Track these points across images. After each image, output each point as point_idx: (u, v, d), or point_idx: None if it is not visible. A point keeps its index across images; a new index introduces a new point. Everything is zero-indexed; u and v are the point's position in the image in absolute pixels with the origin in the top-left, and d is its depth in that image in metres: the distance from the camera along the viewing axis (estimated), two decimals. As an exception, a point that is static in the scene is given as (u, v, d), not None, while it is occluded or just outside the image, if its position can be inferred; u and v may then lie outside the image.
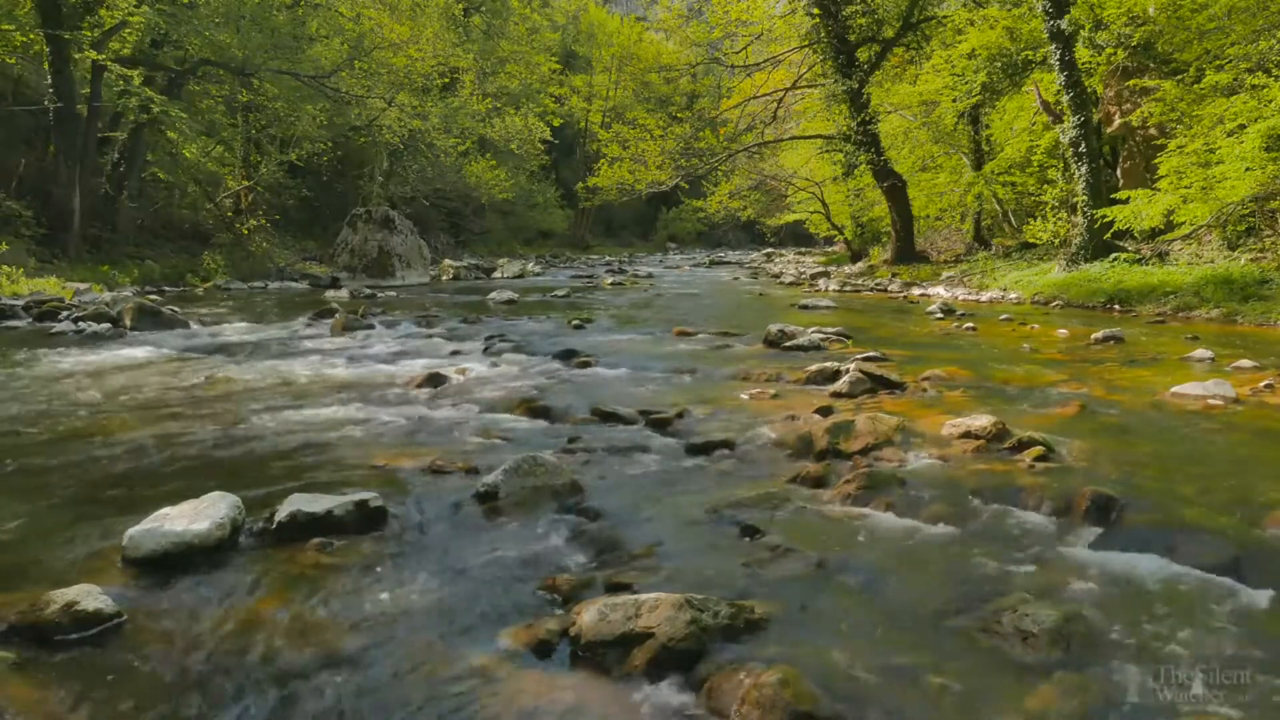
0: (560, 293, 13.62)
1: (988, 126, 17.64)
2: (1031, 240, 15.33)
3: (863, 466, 3.15)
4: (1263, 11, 9.83)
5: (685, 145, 19.80)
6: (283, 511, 2.50)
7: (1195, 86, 10.81)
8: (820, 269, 20.38)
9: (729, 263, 29.17)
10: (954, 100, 16.45)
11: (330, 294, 13.62)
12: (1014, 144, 15.80)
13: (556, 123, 32.16)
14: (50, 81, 13.12)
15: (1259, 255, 10.13)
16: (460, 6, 25.79)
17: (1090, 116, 12.47)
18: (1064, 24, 11.93)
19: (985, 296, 12.25)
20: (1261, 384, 4.62)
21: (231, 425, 3.91)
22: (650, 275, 20.10)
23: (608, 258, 32.29)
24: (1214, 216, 10.02)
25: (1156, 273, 10.49)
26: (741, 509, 2.74)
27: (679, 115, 22.92)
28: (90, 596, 1.93)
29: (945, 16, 17.39)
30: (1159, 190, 10.33)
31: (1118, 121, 13.66)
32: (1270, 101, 8.97)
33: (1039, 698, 1.68)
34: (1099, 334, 6.95)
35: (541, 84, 33.20)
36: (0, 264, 10.52)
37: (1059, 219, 14.55)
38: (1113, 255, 11.57)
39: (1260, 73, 9.58)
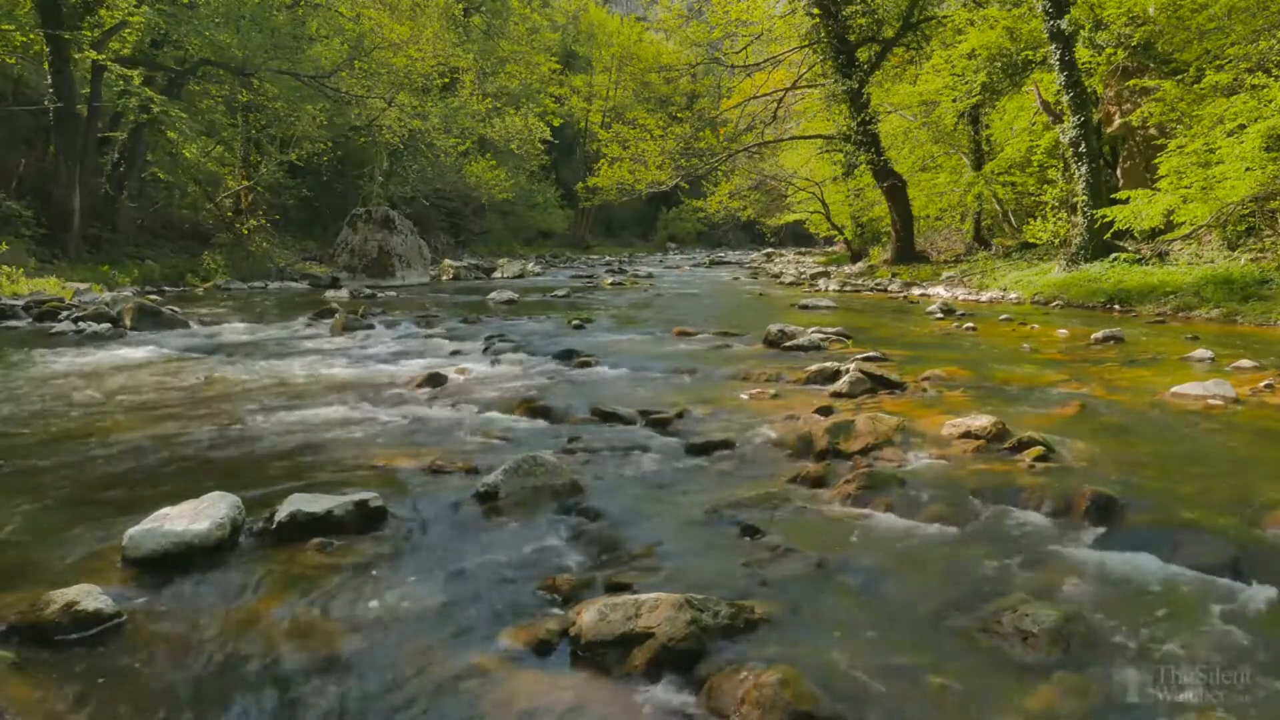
0: (560, 293, 13.62)
1: (988, 126, 17.64)
2: (1031, 240, 15.34)
3: (863, 466, 3.15)
4: (1263, 11, 9.83)
5: (685, 145, 19.80)
6: (283, 511, 2.50)
7: (1195, 86, 10.81)
8: (820, 269, 20.38)
9: (729, 263, 29.17)
10: (954, 100, 16.45)
11: (330, 294, 13.62)
12: (1014, 144, 15.80)
13: (556, 123, 32.16)
14: (50, 81, 13.12)
15: (1259, 255, 10.13)
16: (460, 6, 25.79)
17: (1090, 116, 12.47)
18: (1064, 24, 11.93)
19: (985, 296, 12.25)
20: (1261, 384, 4.62)
21: (231, 425, 3.91)
22: (650, 275, 20.10)
23: (608, 258, 32.29)
24: (1214, 216, 10.02)
25: (1156, 273, 10.49)
26: (741, 509, 2.74)
27: (679, 115, 22.92)
28: (90, 596, 1.94)
29: (945, 16, 17.39)
30: (1159, 190, 10.33)
31: (1118, 121, 13.66)
32: (1270, 101, 8.97)
33: (1039, 698, 1.68)
34: (1099, 334, 6.95)
35: (541, 84, 33.20)
36: (0, 264, 10.53)
37: (1059, 219, 14.55)
38: (1113, 255, 11.57)
39: (1260, 73, 9.58)
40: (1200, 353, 5.90)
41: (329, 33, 18.66)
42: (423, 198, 25.52)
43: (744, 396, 4.53)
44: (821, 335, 6.66)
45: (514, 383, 5.03)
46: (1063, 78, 12.22)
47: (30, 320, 8.31)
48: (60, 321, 7.96)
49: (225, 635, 1.91)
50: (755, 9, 19.27)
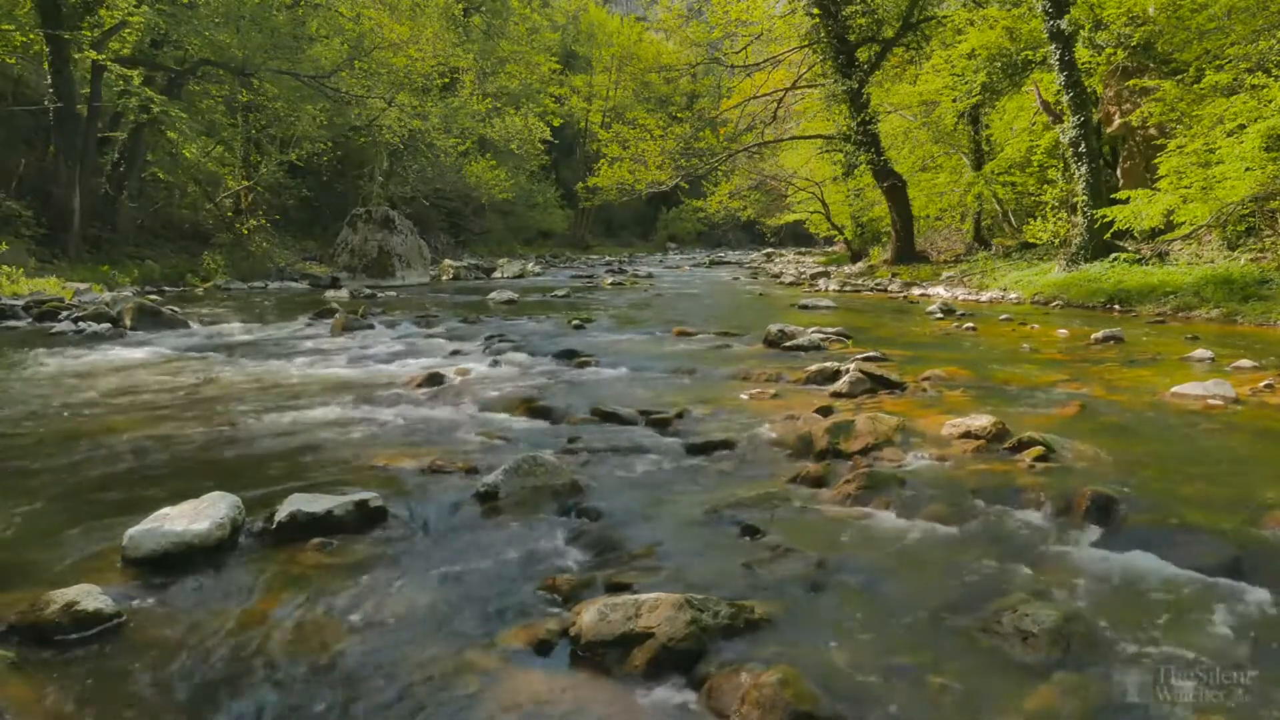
0: (560, 293, 13.62)
1: (988, 126, 17.64)
2: (1031, 240, 15.34)
3: (863, 466, 3.15)
4: (1263, 11, 9.83)
5: (685, 145, 19.81)
6: (283, 511, 2.50)
7: (1195, 86, 10.81)
8: (820, 269, 20.38)
9: (729, 263, 29.18)
10: (954, 100, 16.46)
11: (330, 294, 13.62)
12: (1014, 144, 15.81)
13: (556, 123, 32.16)
14: (50, 81, 13.12)
15: (1259, 255, 10.13)
16: (460, 6, 25.79)
17: (1090, 116, 12.47)
18: (1064, 24, 11.94)
19: (985, 296, 12.26)
20: (1261, 384, 4.62)
21: (231, 425, 3.91)
22: (650, 275, 20.10)
23: (608, 258, 32.29)
24: (1214, 216, 10.02)
25: (1156, 273, 10.49)
26: (741, 509, 2.74)
27: (679, 115, 22.92)
28: (90, 596, 1.93)
29: (945, 16, 17.40)
30: (1159, 190, 10.33)
31: (1118, 121, 13.66)
32: (1270, 101, 8.97)
33: (1039, 698, 1.68)
34: (1099, 334, 6.95)
35: (541, 84, 33.20)
36: (0, 264, 10.52)
37: (1059, 219, 14.55)
38: (1113, 255, 11.57)
39: (1260, 73, 9.58)
40: (1200, 353, 5.90)
41: (329, 33, 18.66)
42: (423, 198, 25.52)
43: (744, 396, 4.53)
44: (821, 335, 6.66)
45: (514, 383, 5.03)
46: (1063, 78, 12.22)
47: (30, 320, 8.31)
48: (60, 321, 7.96)
49: (225, 635, 1.91)
50: (755, 9, 19.27)
